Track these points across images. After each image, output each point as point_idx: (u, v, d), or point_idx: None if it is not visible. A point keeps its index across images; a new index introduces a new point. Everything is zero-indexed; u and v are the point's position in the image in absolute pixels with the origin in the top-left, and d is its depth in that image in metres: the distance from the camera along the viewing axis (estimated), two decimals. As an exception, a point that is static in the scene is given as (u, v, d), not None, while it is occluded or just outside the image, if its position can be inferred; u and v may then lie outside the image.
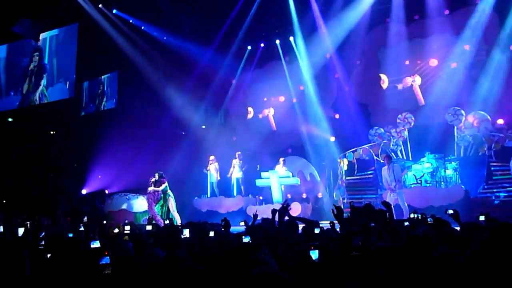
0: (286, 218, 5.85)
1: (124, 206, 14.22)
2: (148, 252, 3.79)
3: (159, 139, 15.38)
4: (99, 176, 15.91)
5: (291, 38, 15.85)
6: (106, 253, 3.19)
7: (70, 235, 5.48)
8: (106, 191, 15.63)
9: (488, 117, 12.44)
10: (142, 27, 15.66)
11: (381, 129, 13.88)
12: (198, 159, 15.67)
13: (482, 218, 5.56)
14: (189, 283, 2.50)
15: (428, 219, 5.92)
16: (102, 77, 15.03)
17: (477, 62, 13.20)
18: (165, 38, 15.77)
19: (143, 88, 15.20)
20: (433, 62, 13.99)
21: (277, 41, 16.21)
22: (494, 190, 11.58)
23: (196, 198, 15.15)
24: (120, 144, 14.43)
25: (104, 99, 14.94)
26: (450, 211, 5.33)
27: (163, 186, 12.50)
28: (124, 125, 14.59)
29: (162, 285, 2.70)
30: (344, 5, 14.22)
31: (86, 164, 15.61)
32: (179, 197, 14.44)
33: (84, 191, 15.87)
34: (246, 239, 4.60)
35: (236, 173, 14.75)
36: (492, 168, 11.95)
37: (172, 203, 12.51)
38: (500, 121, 12.65)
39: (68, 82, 13.62)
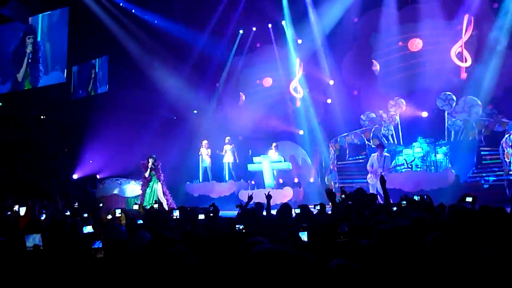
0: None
1: (115, 191, 14.23)
2: (135, 235, 3.80)
3: (151, 124, 15.32)
4: (91, 161, 15.86)
5: (283, 23, 15.76)
6: (99, 237, 3.20)
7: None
8: (98, 176, 15.59)
9: (479, 102, 12.53)
10: (133, 10, 15.46)
11: (373, 113, 13.93)
12: (190, 144, 15.67)
13: (469, 199, 5.60)
14: (175, 267, 2.51)
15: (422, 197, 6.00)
16: (93, 61, 14.85)
17: (469, 47, 13.22)
18: (156, 22, 15.59)
19: (135, 73, 15.08)
20: (422, 45, 13.97)
21: (269, 25, 16.11)
22: (484, 175, 11.76)
23: (188, 183, 15.19)
24: (111, 129, 14.36)
25: (96, 84, 14.79)
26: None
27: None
28: (116, 110, 14.50)
29: (148, 269, 2.71)
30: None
31: (78, 149, 15.54)
32: (172, 182, 14.50)
33: (75, 176, 15.83)
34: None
35: (228, 157, 14.79)
36: (482, 153, 12.13)
37: (159, 188, 12.53)
38: (490, 106, 12.75)
39: (65, 70, 13.47)
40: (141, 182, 12.86)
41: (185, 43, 15.37)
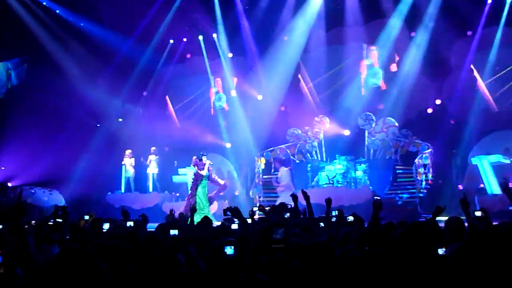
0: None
1: (28, 200, 13.27)
2: (41, 248, 3.55)
3: (71, 130, 14.57)
4: (3, 168, 14.73)
5: (214, 35, 15.79)
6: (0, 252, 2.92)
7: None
8: (9, 184, 14.50)
9: (396, 123, 13.34)
10: (57, 11, 14.72)
11: (298, 130, 14.31)
12: (113, 152, 15.08)
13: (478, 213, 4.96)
14: (85, 279, 2.37)
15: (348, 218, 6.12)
16: (8, 61, 13.92)
17: (387, 71, 14.08)
18: (82, 24, 14.95)
19: (55, 76, 14.29)
20: (346, 66, 14.67)
21: (200, 37, 16.06)
22: (398, 192, 12.46)
23: (109, 193, 14.57)
24: (27, 134, 13.49)
25: (10, 85, 13.86)
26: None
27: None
28: (32, 114, 13.65)
29: (54, 284, 2.53)
30: (268, 7, 14.47)
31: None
32: (92, 192, 13.87)
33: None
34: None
35: (152, 168, 14.43)
36: (397, 171, 12.88)
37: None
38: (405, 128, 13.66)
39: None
40: (191, 182, 11.86)
41: (111, 49, 14.83)
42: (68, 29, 14.62)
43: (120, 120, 16.60)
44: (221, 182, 12.26)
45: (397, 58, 14.09)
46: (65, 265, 2.73)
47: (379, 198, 4.91)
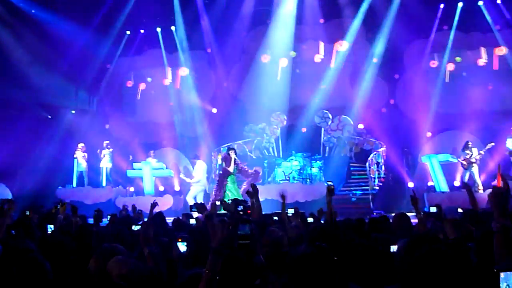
0: None
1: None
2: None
3: (21, 121, 13.96)
4: None
5: (173, 28, 15.56)
6: None
7: None
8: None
9: (351, 122, 13.65)
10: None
11: (256, 126, 14.36)
12: (65, 145, 14.58)
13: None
14: (26, 275, 2.29)
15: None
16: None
17: (346, 70, 14.36)
18: (33, 11, 14.30)
19: (4, 65, 13.62)
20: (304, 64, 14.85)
21: (158, 29, 15.78)
22: (352, 188, 12.76)
23: (60, 187, 14.07)
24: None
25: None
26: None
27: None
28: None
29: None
30: (228, 2, 14.40)
31: None
32: (42, 186, 13.37)
33: None
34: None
35: (105, 162, 14.06)
36: (351, 169, 13.20)
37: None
38: (361, 126, 13.97)
39: None
40: (217, 178, 11.20)
41: (66, 38, 14.26)
42: (19, 15, 13.95)
43: (73, 112, 16.08)
44: (251, 171, 11.54)
45: (354, 58, 14.41)
46: (4, 263, 2.61)
47: (331, 183, 4.99)
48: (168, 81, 15.78)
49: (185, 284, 2.33)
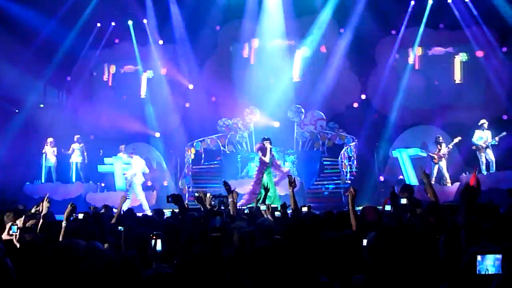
0: None
1: None
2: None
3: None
4: None
5: (145, 21, 15.32)
6: None
7: None
8: None
9: (324, 117, 13.77)
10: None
11: (229, 120, 14.31)
12: (33, 140, 14.20)
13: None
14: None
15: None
16: None
17: (317, 65, 14.45)
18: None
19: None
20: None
21: (130, 22, 15.50)
22: (325, 183, 12.89)
23: (28, 183, 13.71)
24: None
25: None
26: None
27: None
28: None
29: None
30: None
31: None
32: (8, 182, 13.00)
33: None
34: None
35: (75, 157, 13.76)
36: (324, 163, 13.32)
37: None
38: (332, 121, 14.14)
39: None
40: (255, 172, 10.68)
41: (31, 28, 13.76)
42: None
43: (42, 106, 15.65)
44: (285, 170, 11.17)
45: (325, 52, 14.54)
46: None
47: (291, 175, 5.14)
48: (142, 75, 15.57)
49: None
